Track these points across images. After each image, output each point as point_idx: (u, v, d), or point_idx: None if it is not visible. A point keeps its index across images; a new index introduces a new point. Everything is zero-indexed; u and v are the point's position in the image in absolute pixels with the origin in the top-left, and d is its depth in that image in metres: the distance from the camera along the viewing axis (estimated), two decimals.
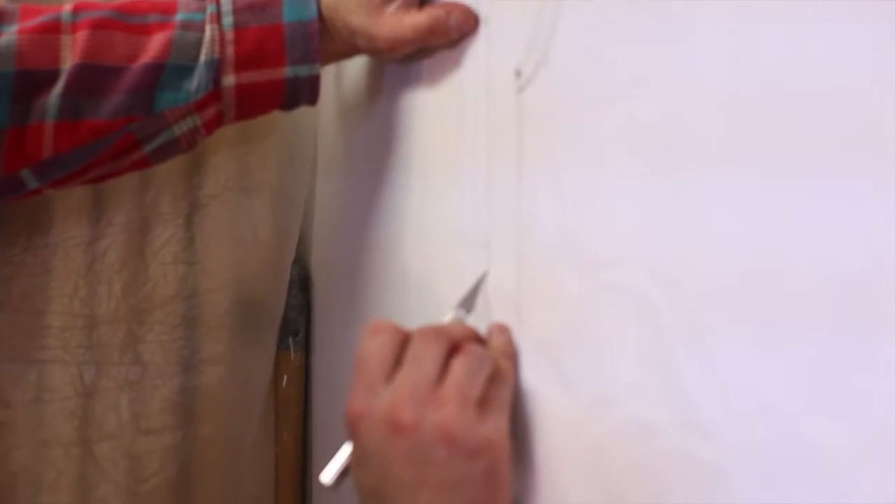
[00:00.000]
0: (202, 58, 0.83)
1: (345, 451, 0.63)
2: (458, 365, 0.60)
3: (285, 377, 1.17)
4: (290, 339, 1.17)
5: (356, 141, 1.04)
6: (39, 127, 0.82)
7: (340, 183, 1.10)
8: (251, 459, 1.15)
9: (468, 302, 0.70)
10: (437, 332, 0.63)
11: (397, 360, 0.61)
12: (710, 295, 0.48)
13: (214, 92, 0.83)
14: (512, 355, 0.65)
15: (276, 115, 0.91)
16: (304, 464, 1.19)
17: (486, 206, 0.71)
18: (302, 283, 1.18)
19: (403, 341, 0.62)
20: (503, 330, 0.66)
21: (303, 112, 0.91)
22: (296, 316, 1.17)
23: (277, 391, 1.17)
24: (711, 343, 0.47)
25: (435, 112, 0.83)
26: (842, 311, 0.40)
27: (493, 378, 0.62)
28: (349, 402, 0.61)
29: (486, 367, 0.61)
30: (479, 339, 0.65)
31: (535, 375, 0.64)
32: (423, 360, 0.60)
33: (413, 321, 0.84)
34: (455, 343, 0.62)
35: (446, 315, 0.69)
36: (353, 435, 0.61)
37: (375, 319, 0.64)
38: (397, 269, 0.90)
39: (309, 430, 1.18)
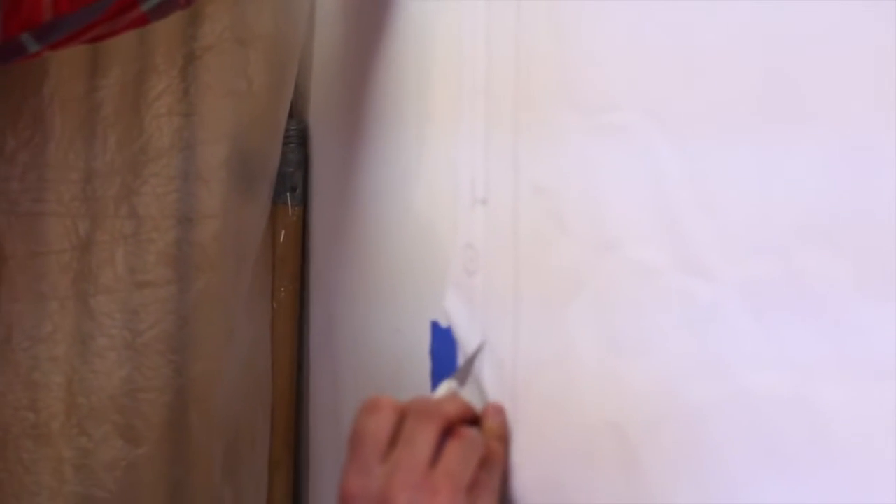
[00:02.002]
0: None
1: None
2: (451, 450, 0.61)
3: (283, 232, 1.16)
4: (288, 195, 1.16)
5: None
6: None
7: (339, 36, 1.08)
8: (247, 312, 1.15)
9: (463, 374, 0.70)
10: (431, 411, 0.63)
11: (392, 439, 0.62)
12: (710, 138, 0.47)
13: None
14: (505, 438, 0.66)
15: None
16: (300, 317, 1.19)
17: (486, 48, 0.70)
18: (300, 138, 1.17)
19: (399, 419, 0.63)
20: (498, 411, 0.67)
21: None
22: (293, 170, 1.16)
23: (275, 246, 1.17)
24: (711, 184, 0.47)
25: None
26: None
27: (484, 462, 0.63)
28: (343, 480, 0.62)
29: (478, 451, 0.63)
30: (472, 418, 0.66)
31: (531, 223, 0.64)
32: (417, 442, 0.61)
33: (412, 173, 0.83)
34: (449, 423, 0.63)
35: (440, 387, 0.69)
36: None
37: (371, 397, 0.65)
38: (397, 120, 0.88)
39: (307, 286, 1.18)
